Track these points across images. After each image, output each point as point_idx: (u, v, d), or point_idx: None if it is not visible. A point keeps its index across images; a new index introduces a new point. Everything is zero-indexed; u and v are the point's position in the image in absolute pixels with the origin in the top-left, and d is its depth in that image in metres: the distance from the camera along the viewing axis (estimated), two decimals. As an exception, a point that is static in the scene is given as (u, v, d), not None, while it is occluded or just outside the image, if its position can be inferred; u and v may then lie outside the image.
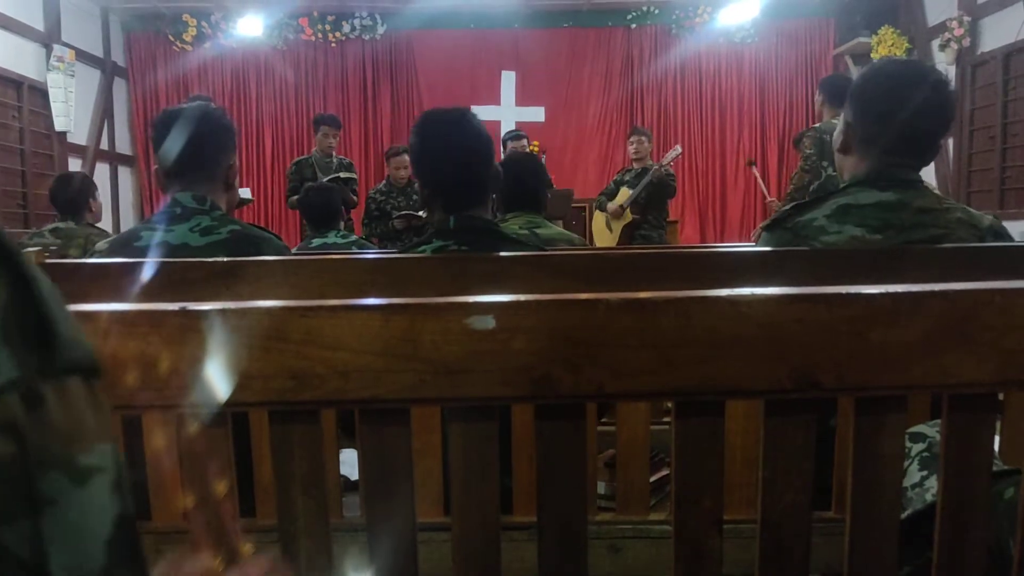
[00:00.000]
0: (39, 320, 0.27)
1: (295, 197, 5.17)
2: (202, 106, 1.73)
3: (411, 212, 4.98)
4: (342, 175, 5.02)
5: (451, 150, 1.56)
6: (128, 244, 1.62)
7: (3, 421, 0.25)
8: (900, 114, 1.42)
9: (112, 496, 0.28)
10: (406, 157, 5.41)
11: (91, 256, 1.69)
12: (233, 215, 1.74)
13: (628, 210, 5.29)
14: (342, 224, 3.62)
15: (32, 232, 4.15)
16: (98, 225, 4.06)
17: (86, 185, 3.98)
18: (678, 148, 5.76)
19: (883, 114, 1.45)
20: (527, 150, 4.86)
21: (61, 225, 3.80)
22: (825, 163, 4.35)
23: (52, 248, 2.76)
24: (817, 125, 4.45)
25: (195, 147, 1.63)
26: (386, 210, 5.21)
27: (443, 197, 1.58)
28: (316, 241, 3.46)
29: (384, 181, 5.50)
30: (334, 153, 5.37)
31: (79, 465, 0.27)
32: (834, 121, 4.41)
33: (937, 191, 1.54)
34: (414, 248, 1.57)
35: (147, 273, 1.31)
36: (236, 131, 1.80)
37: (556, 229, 2.66)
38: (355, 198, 5.33)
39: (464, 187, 1.56)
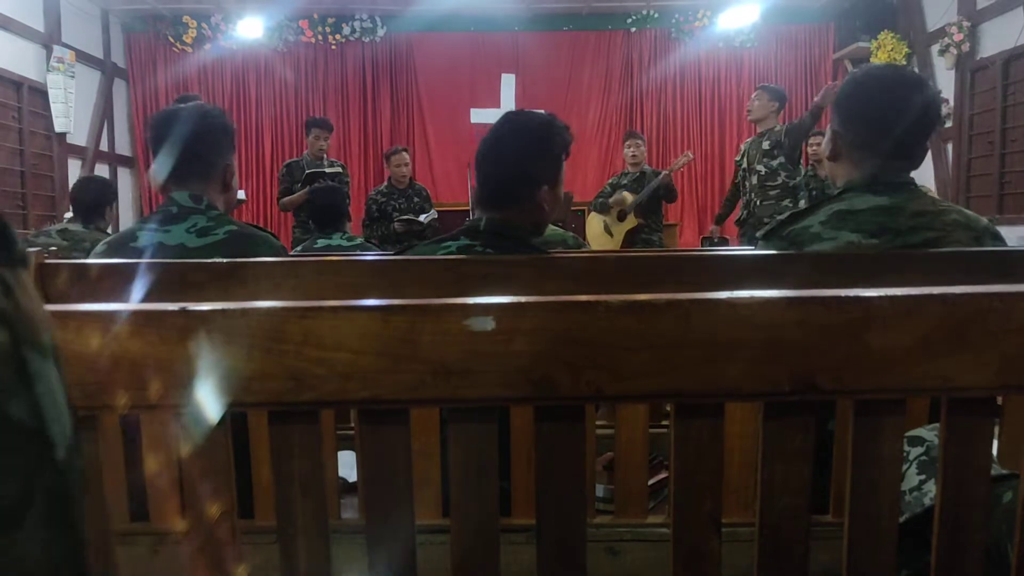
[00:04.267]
0: None
1: (287, 198, 5.17)
2: (200, 106, 1.73)
3: (412, 218, 4.97)
4: (326, 171, 4.99)
5: (496, 149, 1.53)
6: (125, 245, 1.61)
7: None
8: (888, 118, 1.43)
9: (60, 365, 0.34)
10: (405, 156, 5.40)
11: (89, 257, 1.69)
12: (231, 215, 1.74)
13: (632, 214, 5.30)
14: (348, 226, 3.58)
15: (39, 231, 4.13)
16: (108, 231, 4.05)
17: (107, 191, 3.94)
18: (689, 154, 5.78)
19: (872, 119, 1.46)
20: None
21: (71, 227, 3.78)
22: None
23: (52, 248, 2.76)
24: (764, 131, 4.72)
25: (192, 146, 1.62)
26: (387, 211, 5.20)
27: (482, 195, 1.55)
28: (320, 242, 3.39)
29: (385, 183, 5.49)
30: (325, 156, 5.35)
31: (44, 343, 0.32)
32: (777, 128, 4.67)
33: (935, 194, 1.55)
34: (440, 243, 1.53)
35: (146, 274, 1.31)
36: (235, 131, 1.79)
37: (550, 229, 2.63)
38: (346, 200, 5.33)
39: (500, 190, 1.53)
